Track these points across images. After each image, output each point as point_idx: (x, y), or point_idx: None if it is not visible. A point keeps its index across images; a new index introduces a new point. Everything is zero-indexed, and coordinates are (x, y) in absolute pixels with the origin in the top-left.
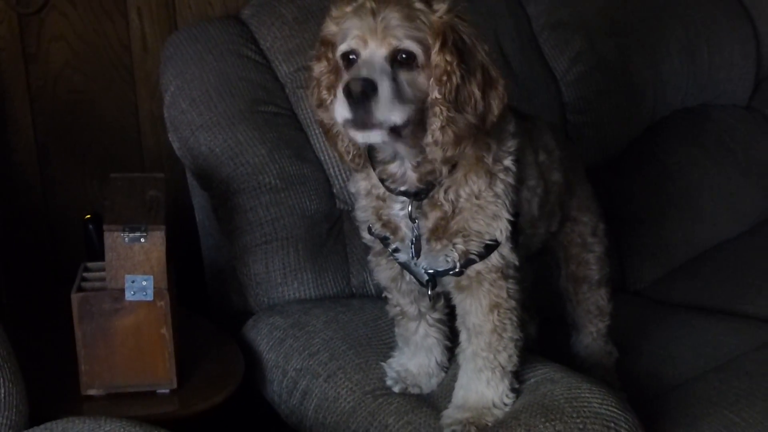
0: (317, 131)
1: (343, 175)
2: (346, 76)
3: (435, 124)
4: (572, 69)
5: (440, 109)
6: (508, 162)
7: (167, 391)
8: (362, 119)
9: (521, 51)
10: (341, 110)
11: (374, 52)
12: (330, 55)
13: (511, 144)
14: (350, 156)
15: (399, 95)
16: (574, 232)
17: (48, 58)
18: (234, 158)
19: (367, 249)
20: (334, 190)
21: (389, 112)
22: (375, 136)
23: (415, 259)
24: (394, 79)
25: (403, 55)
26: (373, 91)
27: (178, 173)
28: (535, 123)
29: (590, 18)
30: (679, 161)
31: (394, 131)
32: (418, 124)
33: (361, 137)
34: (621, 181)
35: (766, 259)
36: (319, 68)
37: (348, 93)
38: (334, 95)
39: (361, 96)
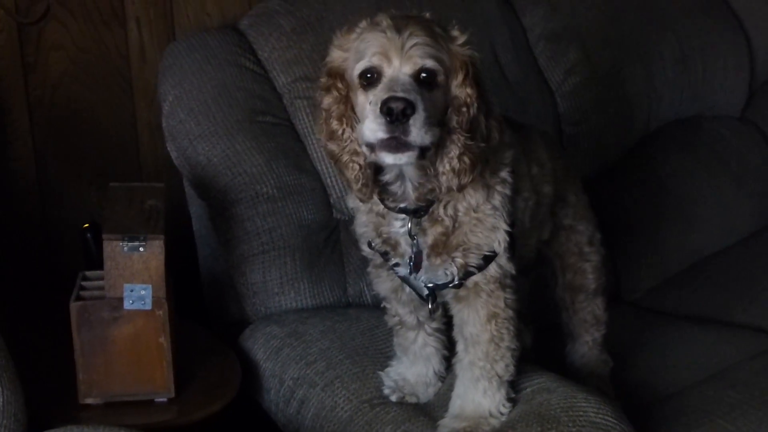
0: (315, 141)
1: (341, 185)
2: (379, 94)
3: (453, 152)
4: (567, 80)
5: (458, 137)
6: (504, 173)
7: (165, 399)
8: (397, 140)
9: (517, 62)
10: (375, 130)
11: (399, 69)
12: (339, 85)
13: (507, 155)
14: (358, 185)
15: (427, 116)
16: (571, 242)
17: (47, 68)
18: (232, 168)
19: (365, 260)
20: (331, 200)
21: (424, 132)
22: (406, 158)
23: (413, 274)
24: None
25: (424, 75)
26: (412, 111)
27: (175, 183)
28: (529, 134)
29: (585, 30)
30: (673, 172)
31: (422, 152)
32: (438, 145)
33: (393, 159)
34: (616, 191)
35: (760, 268)
36: (329, 100)
37: (387, 112)
38: (347, 125)
39: (402, 115)
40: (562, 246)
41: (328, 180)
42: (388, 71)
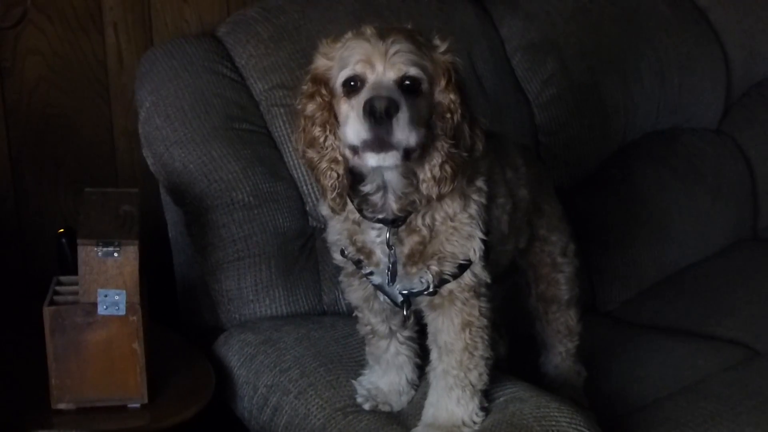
0: (291, 149)
1: (317, 193)
2: (362, 96)
3: (436, 159)
4: (544, 91)
5: (442, 144)
6: (480, 182)
7: (138, 405)
8: (381, 139)
9: (494, 72)
10: (358, 130)
11: (383, 75)
12: (323, 92)
13: (482, 164)
14: (333, 194)
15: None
16: (544, 252)
17: (23, 72)
18: (208, 174)
19: (339, 268)
20: (307, 208)
21: (408, 132)
22: (390, 159)
23: (390, 284)
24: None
25: (408, 82)
26: (396, 110)
27: (151, 189)
28: (500, 141)
29: (562, 40)
30: (650, 183)
31: (406, 154)
32: (422, 149)
33: (376, 160)
34: (592, 202)
35: (734, 281)
36: (312, 106)
37: (370, 111)
38: (330, 132)
39: (385, 114)
40: (536, 256)
41: (304, 188)
42: (372, 77)
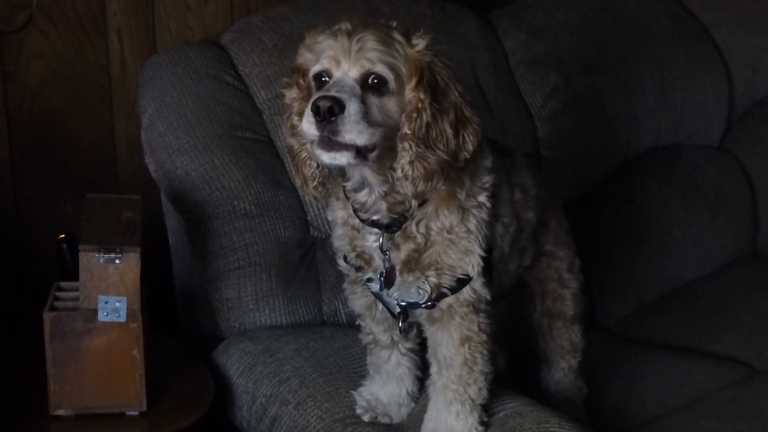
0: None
1: (318, 202)
2: (315, 94)
3: (404, 158)
4: (547, 105)
5: (409, 144)
6: (482, 198)
7: (136, 413)
8: (328, 138)
9: (497, 85)
10: (309, 127)
11: (346, 72)
12: (301, 82)
13: (486, 180)
14: (314, 183)
15: (367, 117)
16: (551, 268)
17: (26, 77)
18: (210, 182)
19: (341, 277)
20: (309, 218)
21: (357, 132)
22: (341, 158)
23: (386, 290)
24: (364, 102)
25: (375, 80)
26: (340, 110)
27: (153, 195)
28: (515, 160)
29: (566, 55)
30: (651, 200)
31: (361, 154)
32: (387, 151)
33: (328, 158)
34: (593, 218)
35: (735, 298)
36: (291, 95)
37: (316, 110)
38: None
39: (328, 113)
40: (542, 272)
41: (306, 197)
42: (337, 74)
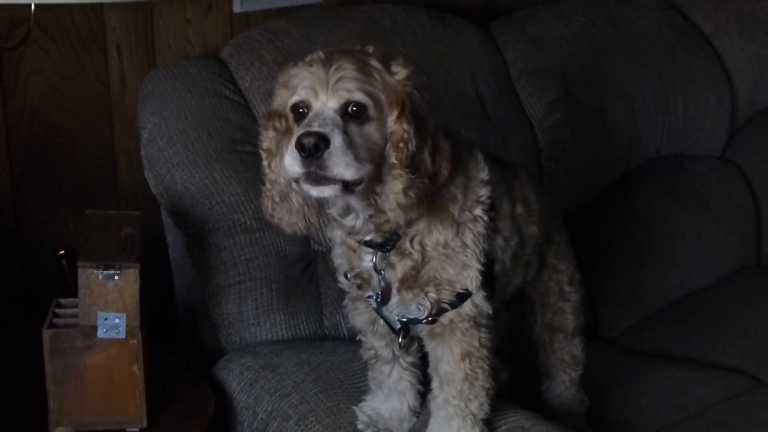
0: None
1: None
2: (297, 130)
3: (397, 188)
4: (548, 116)
5: (399, 173)
6: (478, 211)
7: (137, 430)
8: (315, 173)
9: (498, 96)
10: (292, 164)
11: (325, 104)
12: (278, 125)
13: (483, 193)
14: (296, 229)
15: (351, 147)
16: (552, 280)
17: (26, 93)
18: (210, 197)
19: (341, 293)
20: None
21: (344, 165)
22: (329, 191)
23: (382, 307)
24: (346, 132)
25: (354, 108)
26: (326, 146)
27: (153, 211)
28: (517, 174)
29: (567, 66)
30: (653, 210)
31: (347, 187)
32: (371, 179)
33: (316, 192)
34: (595, 229)
35: (737, 309)
36: (267, 136)
37: (301, 147)
38: (278, 156)
39: (314, 150)
40: (543, 284)
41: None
42: (316, 105)
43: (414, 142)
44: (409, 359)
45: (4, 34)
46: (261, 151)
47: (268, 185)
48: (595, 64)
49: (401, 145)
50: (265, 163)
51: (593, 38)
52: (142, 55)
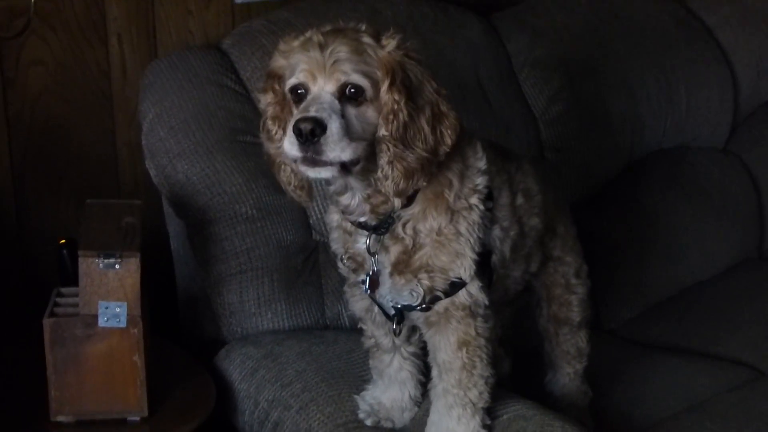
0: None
1: (320, 206)
2: (296, 113)
3: (383, 159)
4: (551, 107)
5: (387, 146)
6: (474, 200)
7: (137, 419)
8: (312, 157)
9: (500, 88)
10: (290, 148)
11: (323, 87)
12: (276, 87)
13: (479, 182)
14: (292, 186)
15: (348, 132)
16: (558, 273)
17: (26, 83)
18: (211, 187)
19: (342, 280)
20: (311, 221)
21: (339, 150)
22: (325, 172)
23: (369, 292)
24: (343, 115)
25: (352, 90)
26: (322, 131)
27: (154, 200)
28: (520, 165)
29: (570, 57)
30: (656, 202)
31: (344, 167)
32: (368, 158)
33: (313, 173)
34: (597, 221)
35: (739, 301)
36: (266, 100)
37: (298, 132)
38: (280, 127)
39: (311, 135)
40: (549, 277)
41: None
42: (314, 89)
43: (405, 112)
44: (410, 349)
45: (4, 23)
46: (260, 110)
47: (267, 145)
48: (598, 55)
49: (391, 116)
50: (261, 121)
51: (596, 30)
52: (143, 46)
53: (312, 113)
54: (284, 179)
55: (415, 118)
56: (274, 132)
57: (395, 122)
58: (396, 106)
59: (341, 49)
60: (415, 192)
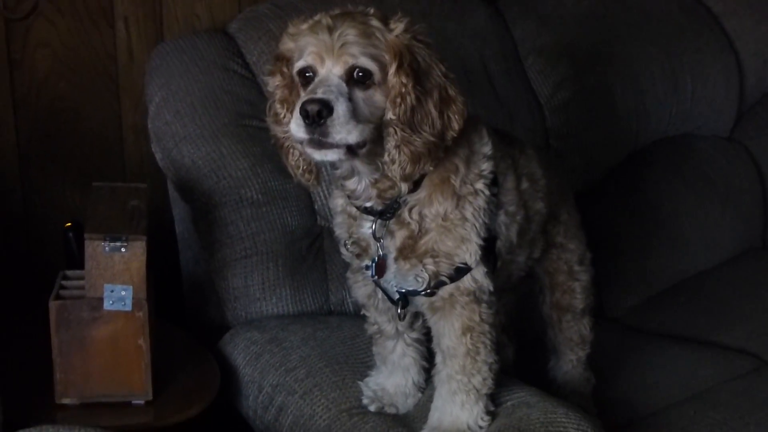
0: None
1: (325, 191)
2: (303, 95)
3: (390, 143)
4: (557, 94)
5: (394, 129)
6: (480, 185)
7: (142, 402)
8: (318, 139)
9: (506, 74)
10: (297, 130)
11: (330, 70)
12: (285, 70)
13: (485, 167)
14: (300, 170)
15: (355, 115)
16: (561, 260)
17: (33, 65)
18: (216, 171)
19: (346, 266)
20: (316, 207)
21: (346, 132)
22: (332, 155)
23: (376, 277)
24: (351, 98)
25: (360, 73)
26: (328, 113)
27: (159, 184)
28: (523, 150)
29: (576, 45)
30: (660, 190)
31: (351, 150)
32: (375, 141)
33: (319, 156)
34: (602, 208)
35: (743, 290)
36: (274, 82)
37: (305, 114)
38: (288, 110)
39: (317, 117)
40: (552, 264)
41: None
42: (322, 71)
43: (412, 95)
44: (414, 335)
45: (11, 5)
46: (268, 92)
47: (275, 128)
48: (604, 43)
49: (398, 99)
50: (268, 104)
51: (602, 17)
52: (149, 29)
53: (319, 95)
54: (292, 163)
55: (422, 102)
56: (282, 115)
57: (402, 106)
58: (404, 90)
59: (349, 32)
60: (422, 177)
